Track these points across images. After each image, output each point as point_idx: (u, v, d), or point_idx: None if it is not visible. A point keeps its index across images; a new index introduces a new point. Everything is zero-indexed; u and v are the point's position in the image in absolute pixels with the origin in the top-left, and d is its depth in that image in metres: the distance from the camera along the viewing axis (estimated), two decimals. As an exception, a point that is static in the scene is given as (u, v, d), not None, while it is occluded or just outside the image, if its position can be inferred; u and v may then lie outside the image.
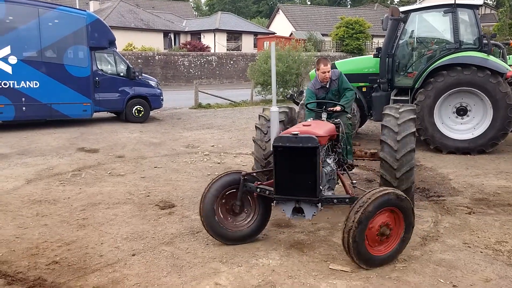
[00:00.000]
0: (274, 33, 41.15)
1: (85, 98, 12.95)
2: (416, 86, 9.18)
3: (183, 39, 41.21)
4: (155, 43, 35.69)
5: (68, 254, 4.44)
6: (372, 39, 38.97)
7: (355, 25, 33.98)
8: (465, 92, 8.79)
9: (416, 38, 10.08)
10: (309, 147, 4.09)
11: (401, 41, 9.74)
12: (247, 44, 42.19)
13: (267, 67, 18.26)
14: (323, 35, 40.11)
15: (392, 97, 9.49)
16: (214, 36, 40.15)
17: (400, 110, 5.30)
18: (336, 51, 35.37)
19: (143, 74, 14.58)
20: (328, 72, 5.52)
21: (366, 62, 10.33)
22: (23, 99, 12.07)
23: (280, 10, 47.22)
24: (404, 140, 5.00)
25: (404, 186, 4.92)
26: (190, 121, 14.08)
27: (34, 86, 12.21)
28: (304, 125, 4.60)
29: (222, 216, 4.63)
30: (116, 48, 14.23)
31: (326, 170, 4.55)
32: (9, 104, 11.90)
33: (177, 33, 41.81)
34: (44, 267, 4.16)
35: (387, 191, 3.94)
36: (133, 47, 31.39)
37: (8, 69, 11.83)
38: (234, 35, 42.34)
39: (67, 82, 12.57)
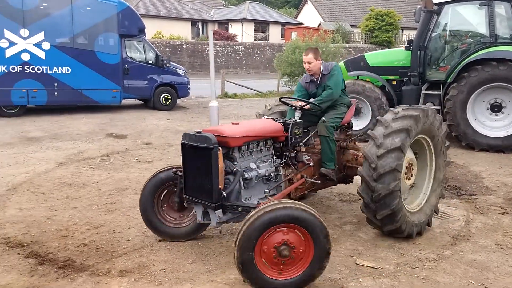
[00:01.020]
0: (301, 24, 40.71)
1: (115, 85, 13.15)
2: (448, 81, 8.92)
3: (210, 28, 41.23)
4: (183, 31, 35.87)
5: (96, 237, 4.53)
6: (402, 31, 38.09)
7: (385, 17, 33.23)
8: (500, 88, 8.48)
9: (450, 31, 9.77)
10: (203, 147, 3.70)
11: (434, 34, 9.46)
12: (274, 34, 41.93)
13: (294, 58, 18.12)
14: (352, 26, 39.42)
15: (423, 91, 9.27)
16: (242, 25, 40.02)
17: (386, 131, 4.20)
18: (365, 43, 34.74)
19: (171, 63, 14.70)
20: (309, 63, 4.89)
21: (397, 55, 10.10)
22: (55, 84, 12.37)
23: (308, 0, 46.63)
24: (384, 160, 4.10)
25: (385, 211, 4.16)
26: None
27: (66, 72, 12.47)
28: (233, 123, 4.22)
29: (165, 212, 4.50)
30: (146, 36, 14.37)
31: (249, 175, 3.97)
32: (42, 89, 12.22)
33: (205, 22, 41.88)
34: (73, 249, 4.25)
35: (284, 205, 3.28)
36: (162, 35, 31.64)
37: (42, 54, 12.12)
38: (261, 25, 42.12)
39: (97, 68, 12.79)
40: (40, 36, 12.02)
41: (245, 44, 32.13)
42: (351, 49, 31.38)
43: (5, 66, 11.80)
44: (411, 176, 4.57)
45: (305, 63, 4.97)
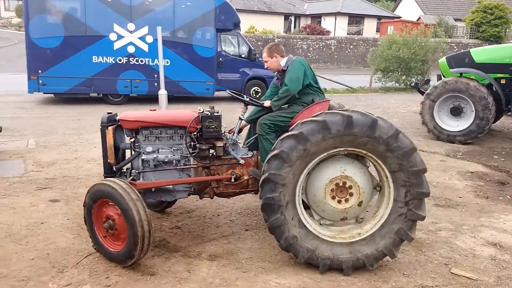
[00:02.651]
0: (399, 17, 38.84)
1: (209, 77, 13.69)
2: None
3: (303, 22, 41.10)
4: (275, 26, 36.18)
5: (188, 221, 4.77)
6: (514, 25, 34.57)
7: (494, 10, 30.40)
8: None
9: None
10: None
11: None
12: (369, 29, 40.58)
13: (390, 53, 17.38)
14: (456, 20, 36.69)
15: (537, 92, 8.35)
16: (335, 19, 39.28)
17: (284, 135, 3.59)
18: (469, 38, 32.18)
19: (263, 56, 14.89)
20: (266, 62, 4.77)
21: (508, 51, 9.16)
22: (156, 75, 13.18)
23: (408, -8, 44.30)
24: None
25: (268, 224, 3.66)
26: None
27: (166, 64, 13.21)
28: (150, 110, 4.51)
29: None
30: (240, 30, 14.72)
31: (146, 158, 4.20)
32: (144, 80, 13.13)
33: (297, 16, 41.82)
34: (167, 230, 4.52)
35: (103, 182, 3.71)
36: (255, 29, 32.21)
37: (145, 47, 13.00)
38: (356, 19, 40.98)
39: (194, 61, 13.41)
40: (145, 30, 12.90)
41: (338, 39, 31.47)
42: (453, 44, 29.28)
43: (113, 57, 12.86)
44: (349, 197, 3.69)
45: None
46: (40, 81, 12.51)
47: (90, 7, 12.45)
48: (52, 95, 13.52)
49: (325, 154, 3.56)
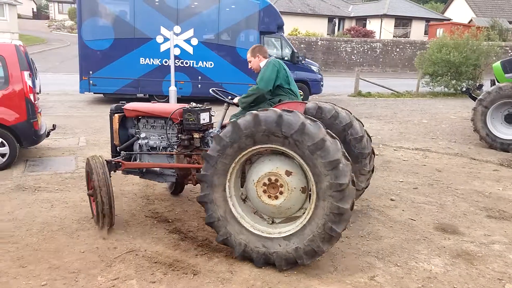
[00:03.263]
0: (449, 20, 37.53)
1: (251, 79, 13.70)
2: None
3: (347, 24, 40.54)
4: (319, 28, 35.94)
5: (230, 223, 4.78)
6: None
7: (554, 11, 28.79)
8: None
9: None
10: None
11: None
12: (416, 31, 39.45)
13: (439, 57, 16.80)
14: (510, 22, 35.02)
15: None
16: (381, 22, 38.47)
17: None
18: (525, 41, 30.60)
19: (305, 59, 14.80)
20: (249, 62, 5.07)
21: None
22: (199, 77, 13.42)
23: (458, -6, 42.73)
24: None
25: None
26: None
27: (209, 66, 13.44)
28: (152, 102, 5.22)
29: None
30: (283, 33, 14.68)
31: (141, 143, 4.88)
32: (188, 81, 13.37)
33: (342, 19, 41.32)
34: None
35: (90, 157, 4.42)
36: (298, 32, 32.11)
37: (190, 49, 13.25)
38: (402, 21, 39.95)
39: (236, 63, 13.50)
40: (190, 32, 13.14)
41: (383, 41, 30.79)
42: (508, 48, 27.92)
43: (159, 59, 13.19)
44: (279, 183, 3.71)
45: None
46: (91, 82, 13.02)
47: (139, 10, 12.84)
48: (101, 95, 14.03)
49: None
